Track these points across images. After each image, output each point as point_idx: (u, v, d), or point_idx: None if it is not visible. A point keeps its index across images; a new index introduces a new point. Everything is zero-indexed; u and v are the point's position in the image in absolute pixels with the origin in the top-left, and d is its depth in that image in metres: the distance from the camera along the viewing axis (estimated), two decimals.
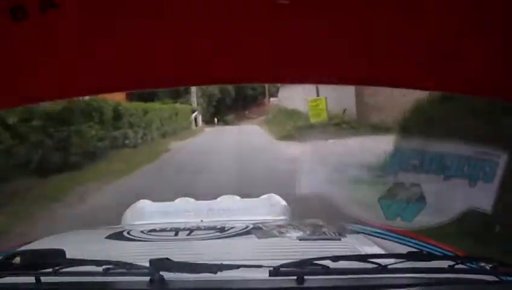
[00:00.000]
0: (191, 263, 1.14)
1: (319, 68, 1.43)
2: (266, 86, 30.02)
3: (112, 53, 1.32)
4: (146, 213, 2.47)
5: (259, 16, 1.27)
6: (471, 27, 1.25)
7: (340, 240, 1.59)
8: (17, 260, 1.18)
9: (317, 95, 14.70)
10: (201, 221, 2.10)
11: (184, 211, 2.46)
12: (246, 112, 34.51)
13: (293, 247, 1.51)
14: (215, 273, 1.11)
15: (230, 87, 29.30)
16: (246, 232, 1.68)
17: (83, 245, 1.70)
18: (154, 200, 2.66)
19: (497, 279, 1.21)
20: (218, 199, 2.70)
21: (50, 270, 1.16)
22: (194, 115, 25.90)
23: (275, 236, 1.60)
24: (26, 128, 8.84)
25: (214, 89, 28.45)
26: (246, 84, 23.83)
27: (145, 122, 15.51)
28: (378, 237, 1.68)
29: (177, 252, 1.40)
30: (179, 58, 1.35)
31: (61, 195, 8.00)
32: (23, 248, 1.53)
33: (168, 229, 1.78)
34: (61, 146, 9.72)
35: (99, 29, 1.25)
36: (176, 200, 2.76)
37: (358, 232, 1.72)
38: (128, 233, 1.74)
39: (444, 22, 1.26)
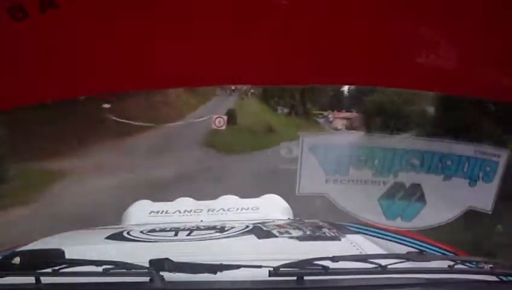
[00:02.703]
0: (191, 263, 1.14)
1: (323, 70, 1.43)
2: None
3: (113, 53, 1.32)
4: (146, 213, 2.47)
5: (260, 16, 1.27)
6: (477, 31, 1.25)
7: (340, 240, 1.59)
8: (17, 260, 1.17)
9: None
10: (201, 221, 2.10)
11: (184, 211, 2.46)
12: None
13: (293, 247, 1.50)
14: (215, 273, 1.11)
15: None
16: (245, 232, 1.67)
17: (82, 245, 1.70)
18: None
19: (497, 279, 1.21)
20: (218, 199, 2.70)
21: (50, 270, 1.16)
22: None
23: (275, 236, 1.60)
24: None
25: None
26: None
27: None
28: (378, 237, 1.68)
29: (177, 252, 1.40)
30: (179, 58, 1.35)
31: None
32: (23, 248, 1.52)
33: (168, 229, 1.78)
34: None
35: (99, 29, 1.25)
36: (176, 200, 2.76)
37: (358, 232, 1.71)
38: (128, 233, 1.74)
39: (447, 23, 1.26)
